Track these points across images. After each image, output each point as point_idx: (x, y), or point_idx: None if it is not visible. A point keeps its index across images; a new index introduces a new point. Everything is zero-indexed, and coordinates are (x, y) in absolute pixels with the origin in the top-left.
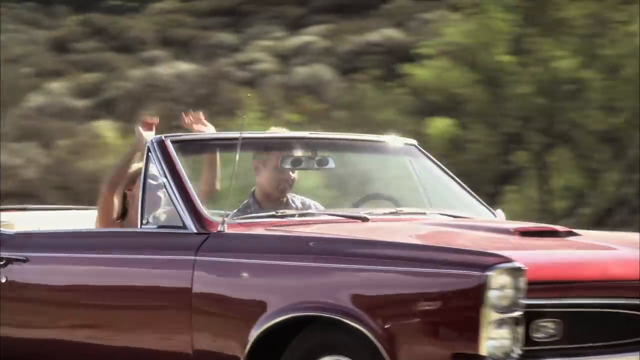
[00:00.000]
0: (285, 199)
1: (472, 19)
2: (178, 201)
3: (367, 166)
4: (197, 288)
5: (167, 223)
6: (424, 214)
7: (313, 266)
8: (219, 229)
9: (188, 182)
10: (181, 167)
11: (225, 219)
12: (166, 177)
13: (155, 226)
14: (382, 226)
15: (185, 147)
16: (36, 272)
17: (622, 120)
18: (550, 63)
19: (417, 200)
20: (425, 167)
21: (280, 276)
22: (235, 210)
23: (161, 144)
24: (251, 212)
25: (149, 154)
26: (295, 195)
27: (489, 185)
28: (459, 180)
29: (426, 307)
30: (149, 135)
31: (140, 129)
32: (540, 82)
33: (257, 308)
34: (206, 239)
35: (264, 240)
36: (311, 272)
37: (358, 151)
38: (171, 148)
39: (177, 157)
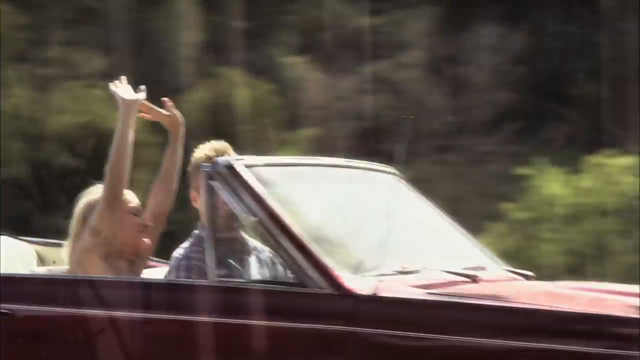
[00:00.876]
0: (239, 232)
1: None
2: (289, 250)
3: (342, 198)
4: None
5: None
6: (484, 269)
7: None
8: (373, 292)
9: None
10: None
11: (380, 277)
12: (258, 216)
13: (246, 280)
14: (508, 288)
15: (266, 175)
16: (28, 335)
17: None
18: None
19: (413, 246)
20: (409, 201)
21: None
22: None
23: (234, 171)
24: (203, 250)
25: (212, 182)
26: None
27: None
28: (450, 219)
29: None
30: (126, 93)
31: (116, 90)
32: None
33: None
34: (358, 304)
35: (483, 312)
36: None
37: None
38: (252, 177)
39: (264, 189)
